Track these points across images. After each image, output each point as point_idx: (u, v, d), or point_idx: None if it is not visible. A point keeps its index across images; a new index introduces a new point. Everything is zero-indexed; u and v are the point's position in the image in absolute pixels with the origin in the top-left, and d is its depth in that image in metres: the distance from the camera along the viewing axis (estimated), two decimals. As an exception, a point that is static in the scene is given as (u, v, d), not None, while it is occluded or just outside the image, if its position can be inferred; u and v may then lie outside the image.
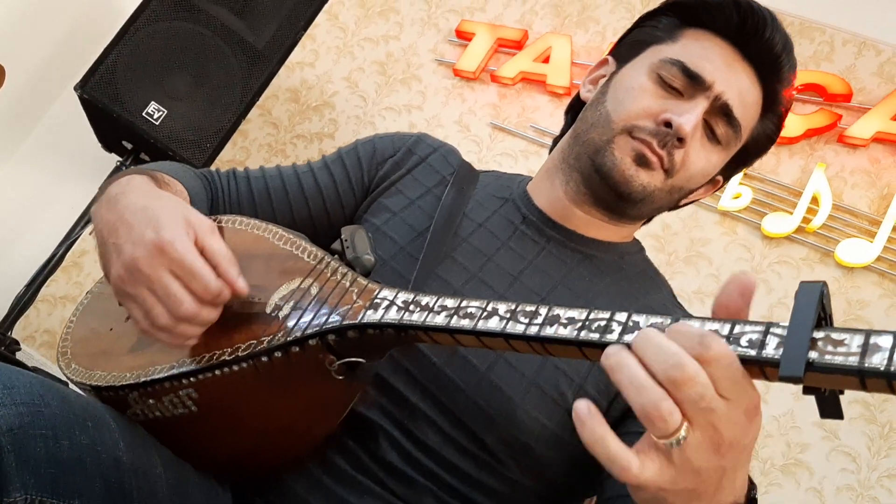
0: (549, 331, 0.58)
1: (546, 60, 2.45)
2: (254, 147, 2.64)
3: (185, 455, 0.79)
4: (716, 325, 0.53)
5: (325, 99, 2.66)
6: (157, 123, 2.03)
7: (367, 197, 1.04)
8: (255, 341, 0.73)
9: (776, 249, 2.19)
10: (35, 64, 2.47)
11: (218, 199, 1.03)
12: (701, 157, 0.93)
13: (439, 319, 0.65)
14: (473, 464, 0.83)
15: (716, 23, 0.94)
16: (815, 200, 2.18)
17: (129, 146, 2.13)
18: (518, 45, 2.50)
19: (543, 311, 0.60)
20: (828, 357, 0.47)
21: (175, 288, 0.72)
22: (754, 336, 0.51)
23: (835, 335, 0.48)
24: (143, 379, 0.75)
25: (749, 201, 2.22)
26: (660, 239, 2.28)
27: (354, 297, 0.73)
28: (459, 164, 1.05)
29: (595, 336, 0.56)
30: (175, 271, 0.73)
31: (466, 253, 0.93)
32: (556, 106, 2.44)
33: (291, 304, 0.76)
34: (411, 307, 0.68)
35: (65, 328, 0.91)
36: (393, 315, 0.68)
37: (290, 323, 0.73)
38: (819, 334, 0.48)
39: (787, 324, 0.50)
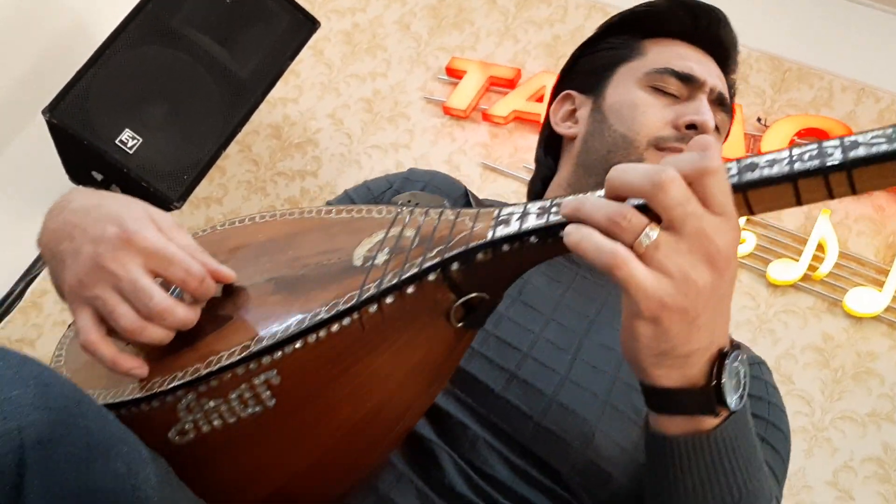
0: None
1: (540, 100, 2.37)
2: (232, 184, 2.51)
3: (220, 494, 0.63)
4: (773, 155, 0.52)
5: (308, 136, 2.55)
6: (130, 153, 1.89)
7: None
8: (356, 291, 0.58)
9: (782, 298, 2.10)
10: (2, 90, 2.33)
11: None
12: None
13: None
14: (549, 499, 0.73)
15: (671, 27, 0.98)
16: (820, 248, 2.10)
17: (99, 177, 1.99)
18: (511, 84, 2.42)
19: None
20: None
21: (145, 281, 0.61)
22: (813, 150, 0.51)
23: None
24: (209, 370, 0.58)
25: (753, 247, 2.13)
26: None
27: (470, 224, 0.60)
28: (465, 190, 0.99)
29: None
30: (146, 263, 0.62)
31: None
32: (551, 146, 2.35)
33: (387, 250, 0.62)
34: (553, 209, 0.56)
35: (53, 362, 0.73)
36: (533, 222, 0.56)
37: (396, 265, 0.59)
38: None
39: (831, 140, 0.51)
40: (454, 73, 2.50)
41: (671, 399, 0.56)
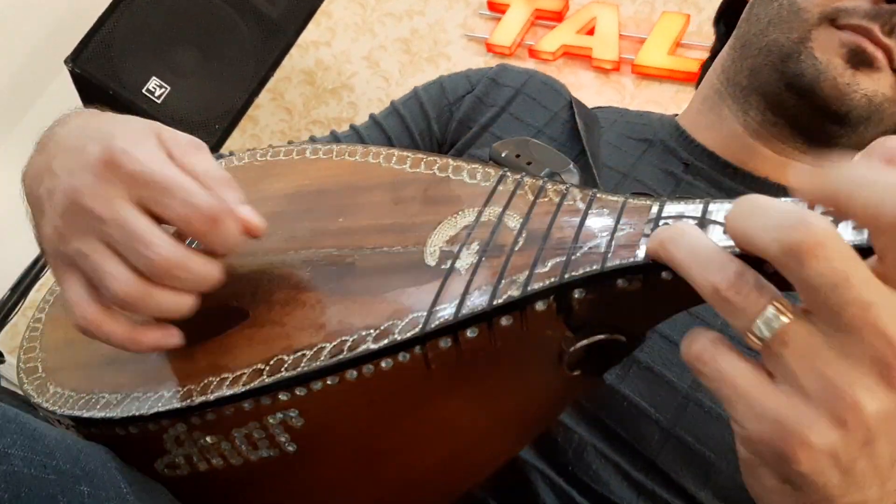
0: None
1: (590, 32, 2.21)
2: (265, 134, 2.39)
3: None
4: None
5: (343, 81, 2.42)
6: (158, 102, 1.78)
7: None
8: (423, 313, 0.40)
9: None
10: (27, 43, 2.23)
11: None
12: None
13: None
14: None
15: None
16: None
17: (127, 130, 1.89)
18: (558, 17, 2.26)
19: None
20: None
21: (140, 222, 0.42)
22: None
23: None
24: (203, 398, 0.42)
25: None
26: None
27: (610, 223, 0.40)
28: (571, 98, 0.80)
29: None
30: (133, 194, 0.42)
31: None
32: (603, 83, 2.20)
33: (476, 246, 0.42)
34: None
35: (28, 331, 0.58)
36: (720, 236, 0.34)
37: (488, 276, 0.40)
38: None
39: None
40: (496, 8, 2.34)
41: None
